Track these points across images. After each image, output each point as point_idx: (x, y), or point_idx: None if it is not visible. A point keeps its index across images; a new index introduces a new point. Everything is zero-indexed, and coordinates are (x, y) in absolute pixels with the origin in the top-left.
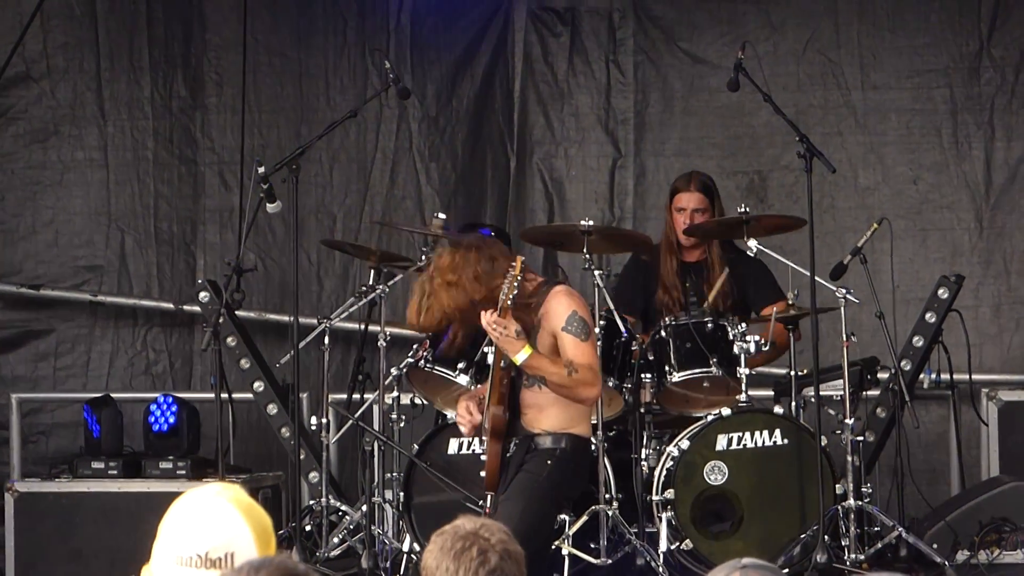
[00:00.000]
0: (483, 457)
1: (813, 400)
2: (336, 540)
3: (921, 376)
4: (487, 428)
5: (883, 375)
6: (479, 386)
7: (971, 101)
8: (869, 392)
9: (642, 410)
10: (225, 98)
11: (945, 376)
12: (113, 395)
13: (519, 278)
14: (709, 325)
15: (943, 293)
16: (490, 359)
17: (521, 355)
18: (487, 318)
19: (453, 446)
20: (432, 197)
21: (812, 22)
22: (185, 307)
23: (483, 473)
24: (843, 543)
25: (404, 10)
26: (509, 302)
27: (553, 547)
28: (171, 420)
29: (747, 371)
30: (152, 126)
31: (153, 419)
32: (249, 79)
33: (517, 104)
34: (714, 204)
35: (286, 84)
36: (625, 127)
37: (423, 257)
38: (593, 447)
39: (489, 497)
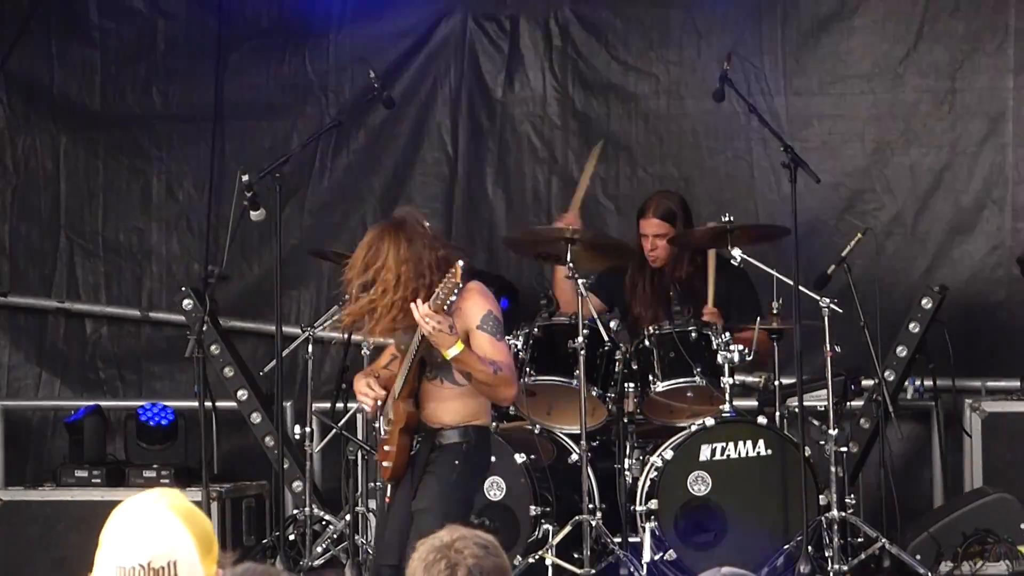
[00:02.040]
0: (387, 448)
1: (797, 410)
2: (319, 549)
3: (905, 386)
4: (391, 419)
5: (867, 385)
6: (379, 366)
7: (894, 107)
8: (853, 403)
9: (625, 420)
10: (173, 108)
11: (929, 382)
12: (98, 402)
13: (460, 285)
14: (693, 334)
15: (927, 303)
16: (411, 351)
17: (453, 350)
18: (422, 309)
19: None
20: (375, 207)
21: (737, 27)
22: (152, 314)
23: (385, 463)
24: (826, 554)
25: (345, 17)
26: (446, 307)
27: (535, 559)
28: (170, 416)
29: (731, 381)
30: (103, 137)
31: (146, 417)
32: (195, 89)
33: (459, 112)
34: (678, 225)
35: (228, 93)
36: (560, 134)
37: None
38: (575, 457)
39: (388, 488)
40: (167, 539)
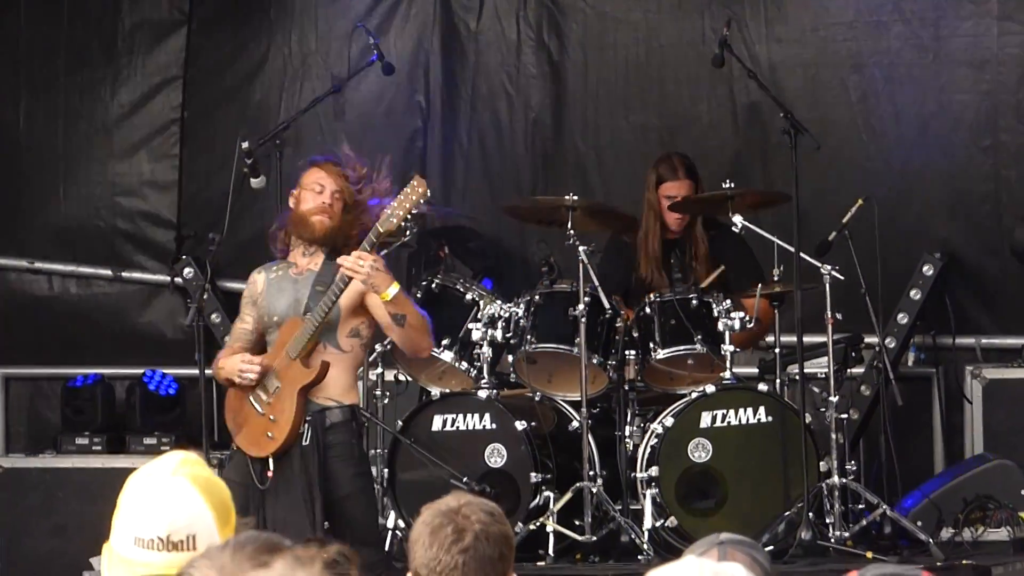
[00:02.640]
0: (272, 418)
1: (797, 377)
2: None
3: (906, 353)
4: (278, 386)
5: (868, 352)
6: (265, 357)
7: (879, 55)
8: (854, 370)
9: (626, 387)
10: (141, 65)
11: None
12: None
13: (428, 195)
14: (694, 302)
15: (928, 270)
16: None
17: (392, 289)
18: (356, 254)
19: (437, 423)
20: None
21: None
22: (124, 274)
23: (270, 434)
24: (827, 520)
25: None
26: (411, 215)
27: (535, 526)
28: (175, 385)
29: (731, 348)
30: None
31: (154, 386)
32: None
33: (432, 61)
34: (698, 184)
35: (195, 46)
36: (536, 83)
37: (407, 233)
38: (576, 424)
39: (271, 463)
40: (186, 512)
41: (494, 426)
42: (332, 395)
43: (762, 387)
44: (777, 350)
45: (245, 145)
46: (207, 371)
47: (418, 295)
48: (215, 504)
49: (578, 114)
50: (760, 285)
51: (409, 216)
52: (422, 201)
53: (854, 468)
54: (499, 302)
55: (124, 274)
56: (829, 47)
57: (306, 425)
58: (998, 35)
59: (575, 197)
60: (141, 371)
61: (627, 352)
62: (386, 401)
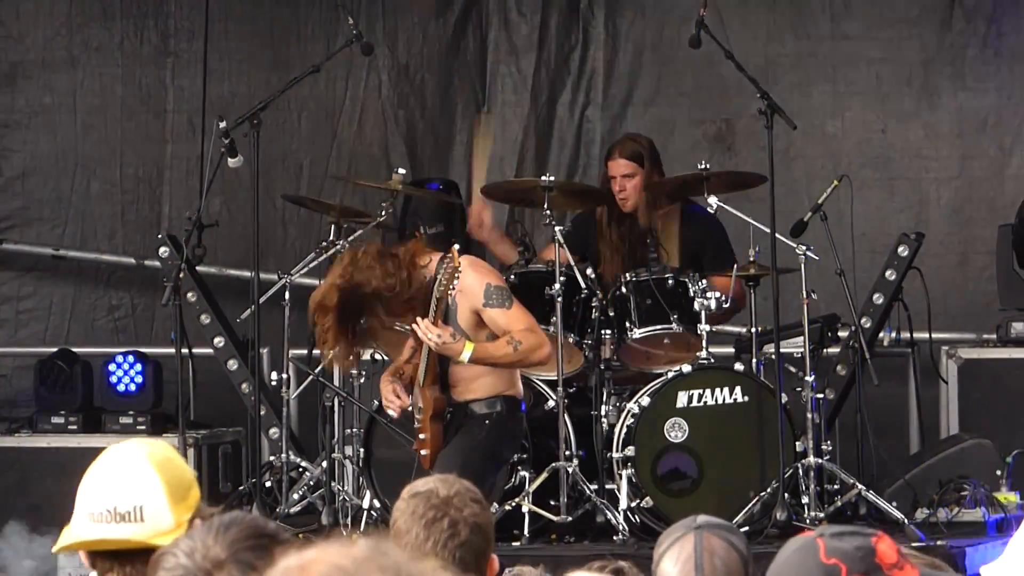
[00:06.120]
0: (422, 436)
1: (773, 357)
2: (296, 496)
3: (881, 334)
4: (421, 408)
5: (844, 332)
6: (402, 363)
7: (942, 51)
8: (829, 350)
9: (602, 366)
10: (196, 45)
11: (905, 334)
12: (75, 348)
13: (459, 268)
14: (670, 282)
15: (903, 251)
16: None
17: (466, 354)
18: (422, 326)
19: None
20: (399, 146)
21: None
22: (146, 262)
23: (423, 452)
24: (803, 500)
25: None
26: (451, 291)
27: (511, 507)
28: (138, 381)
29: (707, 328)
30: (121, 73)
31: (117, 380)
32: (220, 27)
33: (489, 54)
34: (646, 166)
35: (256, 32)
36: (595, 78)
37: (383, 213)
38: (552, 404)
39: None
40: (135, 484)
41: None
42: (479, 396)
43: (738, 367)
44: (754, 330)
45: (222, 125)
46: (183, 350)
47: None
48: (168, 480)
49: (639, 108)
50: (736, 266)
51: (454, 284)
52: (457, 273)
53: (830, 448)
54: None
55: (146, 263)
56: (893, 43)
57: (449, 415)
58: None
59: (551, 178)
60: (115, 351)
61: (603, 331)
62: (363, 380)
